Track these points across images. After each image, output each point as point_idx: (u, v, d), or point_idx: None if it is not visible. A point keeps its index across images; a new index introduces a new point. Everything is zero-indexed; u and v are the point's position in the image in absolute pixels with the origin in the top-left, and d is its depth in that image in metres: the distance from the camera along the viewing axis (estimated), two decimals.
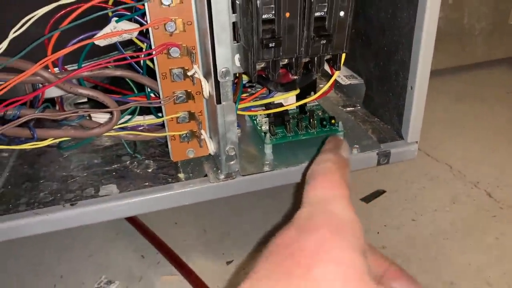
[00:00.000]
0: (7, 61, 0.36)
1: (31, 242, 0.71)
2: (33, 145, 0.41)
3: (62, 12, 0.40)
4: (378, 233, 0.72)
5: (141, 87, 0.47)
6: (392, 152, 0.47)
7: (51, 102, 0.49)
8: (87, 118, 0.43)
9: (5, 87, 0.36)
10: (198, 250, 0.70)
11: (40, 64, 0.37)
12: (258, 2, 0.33)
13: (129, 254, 0.70)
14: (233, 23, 0.38)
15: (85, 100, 0.56)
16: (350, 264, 0.24)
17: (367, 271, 0.24)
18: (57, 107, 0.51)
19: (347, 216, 0.27)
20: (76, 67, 0.43)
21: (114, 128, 0.42)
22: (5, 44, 0.36)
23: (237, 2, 0.37)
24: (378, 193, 0.82)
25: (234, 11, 0.38)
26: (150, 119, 0.46)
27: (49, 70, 0.39)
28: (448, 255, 0.68)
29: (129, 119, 0.46)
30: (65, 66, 0.43)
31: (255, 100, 0.50)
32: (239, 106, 0.48)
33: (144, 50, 0.43)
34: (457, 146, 0.95)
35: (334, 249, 0.24)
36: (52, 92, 0.45)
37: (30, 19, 0.37)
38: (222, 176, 0.42)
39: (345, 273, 0.23)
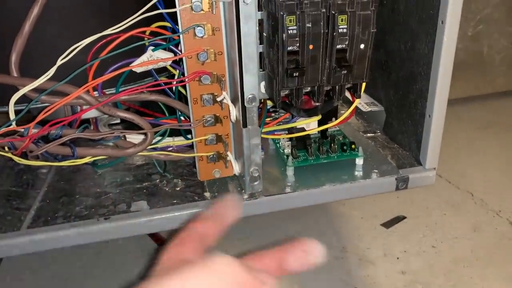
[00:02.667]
0: (55, 85, 0.39)
1: (59, 257, 0.75)
2: (72, 162, 0.44)
3: (103, 41, 0.43)
4: (397, 258, 0.73)
5: (170, 110, 0.50)
6: (411, 177, 0.48)
7: (86, 122, 0.52)
8: (122, 138, 0.46)
9: (52, 108, 0.39)
10: None
11: (84, 88, 0.40)
12: (284, 35, 0.36)
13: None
14: (260, 53, 0.41)
15: (118, 121, 0.60)
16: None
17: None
18: (92, 127, 0.55)
19: None
20: (112, 91, 0.47)
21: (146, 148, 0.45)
22: (53, 70, 0.40)
23: (264, 34, 0.40)
24: (399, 219, 0.83)
25: (261, 43, 0.41)
26: (179, 141, 0.49)
27: (90, 93, 0.43)
28: (468, 283, 0.67)
29: (159, 140, 0.49)
30: (104, 90, 0.46)
31: (279, 125, 0.52)
32: (263, 130, 0.50)
33: (176, 76, 0.47)
34: (479, 174, 0.95)
35: None
36: (89, 113, 0.48)
37: (76, 47, 0.40)
38: (246, 196, 0.45)
39: None
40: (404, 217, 0.83)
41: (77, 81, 0.42)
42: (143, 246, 0.77)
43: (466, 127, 1.13)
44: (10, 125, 0.40)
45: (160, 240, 0.78)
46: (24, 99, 0.42)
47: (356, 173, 0.48)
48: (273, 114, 0.57)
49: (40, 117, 0.40)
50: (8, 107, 0.41)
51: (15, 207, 0.46)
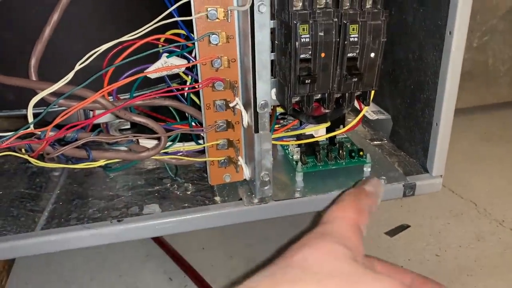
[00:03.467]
0: (73, 89, 0.41)
1: (64, 260, 0.75)
2: (86, 165, 0.45)
3: (119, 47, 0.44)
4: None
5: (180, 116, 0.51)
6: (418, 184, 0.49)
7: (97, 127, 0.53)
8: (135, 142, 0.47)
9: (70, 111, 0.40)
10: (225, 275, 0.72)
11: (101, 93, 0.41)
12: (297, 43, 0.37)
13: (158, 276, 0.73)
14: (271, 60, 0.42)
15: (128, 126, 0.61)
16: (330, 251, 0.27)
17: (351, 256, 0.27)
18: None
19: (341, 233, 0.31)
20: (126, 96, 0.48)
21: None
22: (71, 75, 0.41)
23: (276, 42, 0.42)
24: (403, 228, 0.83)
25: (272, 50, 0.42)
26: (189, 145, 0.50)
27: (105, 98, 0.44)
28: None
29: (171, 145, 0.50)
30: (118, 95, 0.47)
31: (287, 131, 0.53)
32: (272, 136, 0.51)
33: (188, 83, 0.48)
34: (483, 183, 0.95)
35: (318, 244, 0.28)
36: (102, 118, 0.49)
37: (94, 53, 0.41)
38: (256, 200, 0.45)
39: (324, 255, 0.27)
40: (408, 226, 0.83)
41: (92, 85, 0.43)
42: (148, 251, 0.78)
43: (470, 137, 1.14)
44: (28, 127, 0.41)
45: (163, 244, 0.79)
46: (41, 103, 0.43)
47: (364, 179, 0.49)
48: (281, 121, 0.58)
49: (58, 120, 0.41)
50: (25, 110, 0.42)
51: (28, 208, 0.47)
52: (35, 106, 0.42)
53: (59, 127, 0.43)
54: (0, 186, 0.51)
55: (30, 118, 0.41)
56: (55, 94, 0.42)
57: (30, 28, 0.42)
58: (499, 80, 1.16)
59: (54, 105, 0.42)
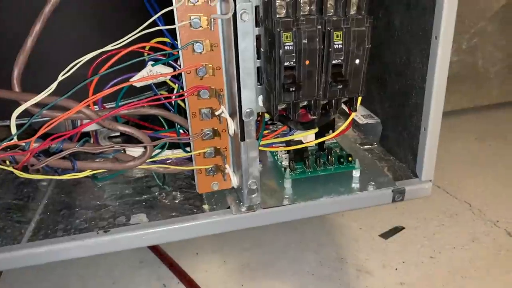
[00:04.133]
0: (56, 100, 0.40)
1: (56, 267, 0.75)
2: (72, 175, 0.44)
3: (104, 57, 0.44)
4: (396, 269, 0.73)
5: (169, 123, 0.50)
6: (407, 189, 0.48)
7: (86, 135, 0.53)
8: (122, 151, 0.47)
9: (53, 122, 0.40)
10: (219, 280, 0.72)
11: (84, 103, 0.41)
12: (281, 51, 0.37)
13: (151, 283, 0.72)
14: (257, 67, 0.42)
15: (117, 134, 0.60)
16: None
17: None
18: (92, 140, 0.55)
19: None
20: (113, 105, 0.48)
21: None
22: (54, 85, 0.41)
23: (262, 49, 0.41)
24: (397, 230, 0.83)
25: (258, 57, 0.42)
26: (178, 154, 0.50)
27: (90, 108, 0.43)
28: None
29: (159, 153, 0.50)
30: (104, 104, 0.47)
31: (276, 137, 0.53)
32: (261, 143, 0.51)
33: (175, 90, 0.47)
34: (477, 184, 0.95)
35: None
36: (90, 126, 0.49)
37: (77, 63, 0.41)
38: (244, 209, 0.45)
39: None
40: (402, 228, 0.83)
41: (77, 95, 0.42)
42: (142, 257, 0.77)
43: (463, 138, 1.14)
44: (12, 139, 0.41)
45: (157, 250, 0.78)
46: (25, 113, 0.42)
47: (353, 185, 0.48)
48: (271, 127, 0.58)
49: (42, 131, 0.40)
50: (9, 121, 0.42)
51: (15, 220, 0.46)
52: (19, 117, 0.41)
53: (45, 137, 0.43)
54: None
55: (14, 130, 0.41)
56: (39, 104, 0.42)
57: (12, 39, 0.42)
58: (489, 81, 1.16)
59: (38, 116, 0.41)
